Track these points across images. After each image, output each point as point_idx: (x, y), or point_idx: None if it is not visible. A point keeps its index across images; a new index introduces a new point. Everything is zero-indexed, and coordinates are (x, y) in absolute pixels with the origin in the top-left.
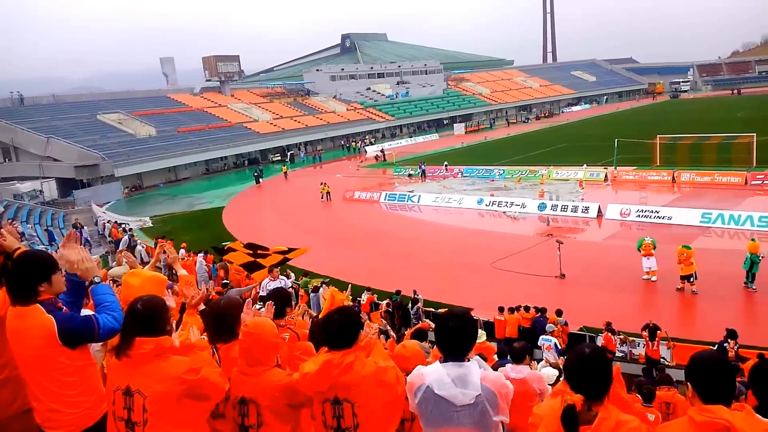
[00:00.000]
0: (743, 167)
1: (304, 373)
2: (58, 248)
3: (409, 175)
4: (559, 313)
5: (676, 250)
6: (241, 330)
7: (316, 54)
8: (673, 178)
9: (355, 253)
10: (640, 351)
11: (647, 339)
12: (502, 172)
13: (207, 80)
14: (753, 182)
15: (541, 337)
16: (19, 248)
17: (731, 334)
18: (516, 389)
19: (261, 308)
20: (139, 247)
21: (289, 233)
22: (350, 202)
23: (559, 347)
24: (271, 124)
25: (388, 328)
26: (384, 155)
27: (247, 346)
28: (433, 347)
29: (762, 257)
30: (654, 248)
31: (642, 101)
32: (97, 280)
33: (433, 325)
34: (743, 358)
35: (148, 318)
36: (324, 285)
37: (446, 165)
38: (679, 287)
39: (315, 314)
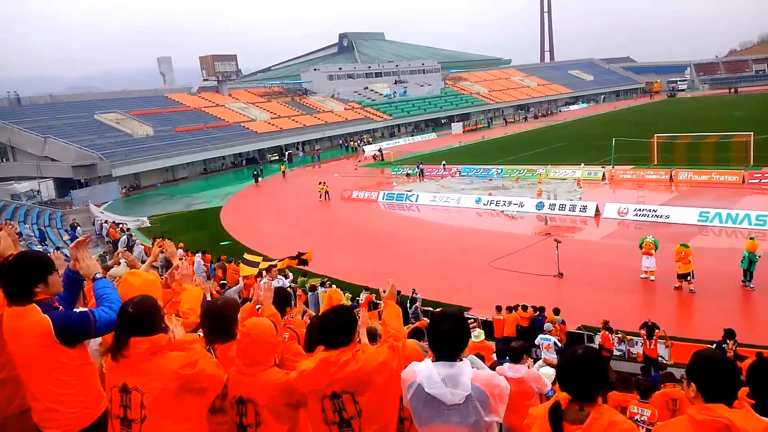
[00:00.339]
0: (740, 166)
1: (302, 371)
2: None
3: (407, 175)
4: (556, 311)
5: (674, 248)
6: (239, 330)
7: (313, 53)
8: (671, 176)
9: (353, 253)
10: (638, 350)
11: (645, 338)
12: (500, 171)
13: (204, 80)
14: (750, 181)
15: (539, 336)
16: (11, 255)
17: (729, 334)
18: (513, 388)
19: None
20: (137, 247)
21: (287, 232)
22: (348, 201)
23: (560, 345)
24: (269, 123)
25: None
26: (382, 155)
27: (245, 346)
28: None
29: (760, 256)
30: (656, 248)
31: (639, 100)
32: (98, 276)
33: None
34: (741, 357)
35: (141, 319)
36: (324, 285)
37: (444, 164)
38: (676, 286)
39: (314, 314)
